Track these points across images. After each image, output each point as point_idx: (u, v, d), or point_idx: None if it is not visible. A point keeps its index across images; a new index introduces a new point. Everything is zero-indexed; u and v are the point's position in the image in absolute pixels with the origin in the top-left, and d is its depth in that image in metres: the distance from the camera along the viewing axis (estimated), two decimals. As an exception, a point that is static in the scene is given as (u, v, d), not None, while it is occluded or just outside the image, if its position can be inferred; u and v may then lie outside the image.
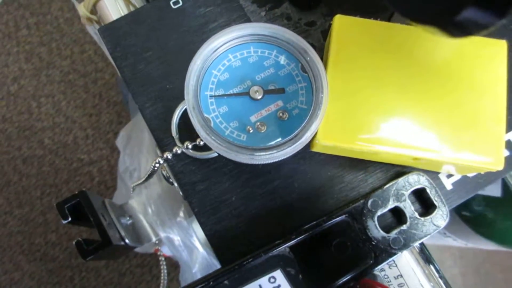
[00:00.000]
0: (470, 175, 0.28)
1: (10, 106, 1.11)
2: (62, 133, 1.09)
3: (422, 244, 0.28)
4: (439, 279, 0.27)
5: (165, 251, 0.43)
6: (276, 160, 0.24)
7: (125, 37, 0.30)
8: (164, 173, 0.28)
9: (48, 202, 1.06)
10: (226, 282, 0.23)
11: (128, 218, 0.35)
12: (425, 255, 0.28)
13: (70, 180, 1.07)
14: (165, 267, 0.40)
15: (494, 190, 0.42)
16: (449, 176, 0.28)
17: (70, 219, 0.28)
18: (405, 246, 0.25)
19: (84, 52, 1.13)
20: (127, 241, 0.31)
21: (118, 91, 1.09)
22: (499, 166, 0.24)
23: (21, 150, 1.09)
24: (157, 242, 0.40)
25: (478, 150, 0.24)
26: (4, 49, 1.13)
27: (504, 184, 0.40)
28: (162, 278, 0.40)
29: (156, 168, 0.27)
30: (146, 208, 0.36)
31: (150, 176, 0.29)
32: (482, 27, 0.15)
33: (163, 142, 0.28)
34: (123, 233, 0.31)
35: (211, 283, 0.23)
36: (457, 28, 0.15)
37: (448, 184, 0.28)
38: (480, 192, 0.43)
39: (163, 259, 0.40)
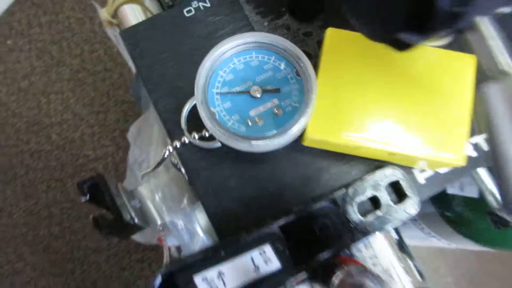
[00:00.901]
0: (441, 171, 0.32)
1: (20, 102, 1.14)
2: (69, 129, 1.12)
3: (400, 236, 0.32)
4: (409, 261, 0.31)
5: (168, 242, 0.46)
6: (270, 148, 0.28)
7: (143, 40, 0.34)
8: (173, 160, 0.32)
9: (53, 196, 1.08)
10: (222, 253, 0.27)
11: (137, 201, 0.38)
12: (400, 243, 0.32)
13: (76, 175, 1.09)
14: (168, 251, 0.44)
15: (472, 191, 0.46)
16: (422, 171, 0.32)
17: (88, 197, 0.32)
18: (379, 228, 0.29)
19: (94, 52, 1.15)
20: (136, 220, 0.35)
21: (125, 90, 1.12)
22: (463, 162, 0.28)
23: (29, 144, 1.11)
24: (161, 228, 0.44)
25: (445, 148, 0.28)
26: (17, 46, 1.16)
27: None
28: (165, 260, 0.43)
29: (166, 156, 0.31)
30: (153, 195, 0.40)
31: (160, 163, 0.33)
32: (415, 43, 0.20)
33: (173, 132, 0.32)
34: (133, 214, 0.35)
35: (210, 253, 0.27)
36: (397, 44, 0.21)
37: (421, 178, 0.32)
38: (460, 193, 0.47)
39: (166, 244, 0.44)
